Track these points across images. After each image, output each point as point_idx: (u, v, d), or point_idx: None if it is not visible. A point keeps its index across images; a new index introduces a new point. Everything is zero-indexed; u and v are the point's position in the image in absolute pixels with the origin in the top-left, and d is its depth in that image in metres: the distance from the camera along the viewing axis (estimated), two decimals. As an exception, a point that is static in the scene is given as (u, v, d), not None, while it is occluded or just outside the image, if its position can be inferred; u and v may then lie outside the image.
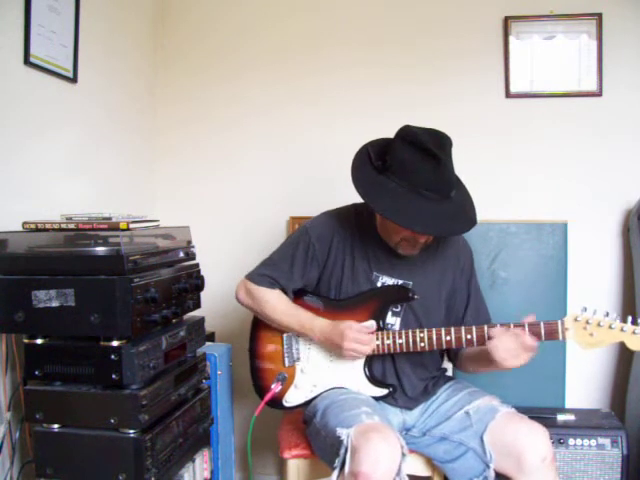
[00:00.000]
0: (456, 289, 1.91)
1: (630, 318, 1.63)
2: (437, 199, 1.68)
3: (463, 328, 1.73)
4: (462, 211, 1.76)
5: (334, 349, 1.81)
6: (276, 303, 1.85)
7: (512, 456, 1.60)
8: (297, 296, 1.90)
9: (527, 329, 1.66)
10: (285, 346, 1.90)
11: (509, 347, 1.63)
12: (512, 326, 1.68)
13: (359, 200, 1.77)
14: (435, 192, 1.67)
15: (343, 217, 1.91)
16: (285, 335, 1.90)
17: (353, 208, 1.94)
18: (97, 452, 1.52)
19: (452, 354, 1.95)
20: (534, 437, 1.61)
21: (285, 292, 1.88)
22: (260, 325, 1.94)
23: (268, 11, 2.64)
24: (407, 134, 1.71)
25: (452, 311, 1.91)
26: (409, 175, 1.67)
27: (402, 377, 1.85)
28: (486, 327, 1.71)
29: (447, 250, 1.91)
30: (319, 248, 1.87)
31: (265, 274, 1.87)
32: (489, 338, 1.68)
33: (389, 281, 1.86)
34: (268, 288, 1.86)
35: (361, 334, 1.75)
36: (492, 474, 1.64)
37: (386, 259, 1.86)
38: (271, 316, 1.86)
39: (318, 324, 1.82)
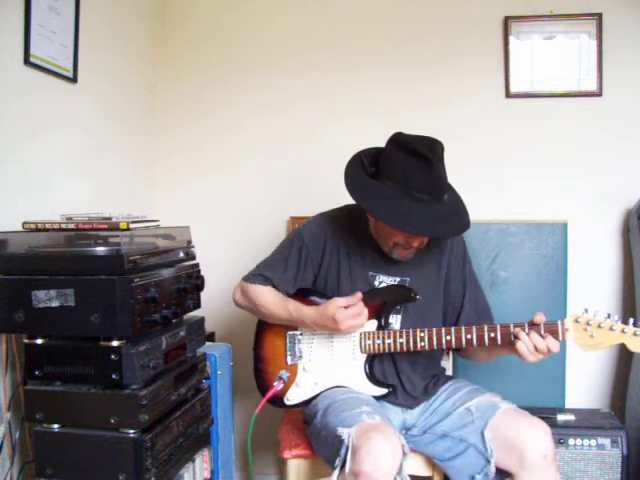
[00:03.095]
0: (451, 277, 1.91)
1: (632, 320, 1.62)
2: (429, 201, 1.69)
3: (463, 328, 1.74)
4: (455, 213, 1.77)
5: (332, 332, 1.82)
6: (267, 296, 1.88)
7: (514, 452, 1.61)
8: (302, 295, 1.91)
9: (527, 329, 1.66)
10: (288, 344, 1.91)
11: (534, 349, 1.65)
12: (512, 327, 1.68)
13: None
14: (427, 194, 1.68)
15: (336, 219, 1.93)
16: (288, 333, 1.91)
17: (346, 209, 1.96)
18: (97, 452, 1.52)
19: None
20: (536, 433, 1.61)
21: (278, 290, 1.89)
22: (264, 324, 1.95)
23: (268, 12, 2.64)
24: (398, 139, 1.74)
25: (450, 302, 1.91)
26: (401, 178, 1.69)
27: (402, 376, 1.86)
28: (486, 327, 1.71)
29: (442, 242, 1.91)
30: (313, 249, 1.89)
31: (259, 273, 1.91)
32: (515, 337, 1.67)
33: (386, 279, 1.86)
34: (261, 285, 1.89)
35: (350, 309, 1.74)
36: (493, 470, 1.64)
37: (381, 257, 1.87)
38: (263, 309, 1.88)
39: (306, 312, 1.83)
